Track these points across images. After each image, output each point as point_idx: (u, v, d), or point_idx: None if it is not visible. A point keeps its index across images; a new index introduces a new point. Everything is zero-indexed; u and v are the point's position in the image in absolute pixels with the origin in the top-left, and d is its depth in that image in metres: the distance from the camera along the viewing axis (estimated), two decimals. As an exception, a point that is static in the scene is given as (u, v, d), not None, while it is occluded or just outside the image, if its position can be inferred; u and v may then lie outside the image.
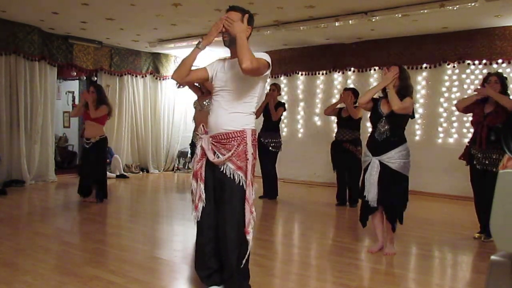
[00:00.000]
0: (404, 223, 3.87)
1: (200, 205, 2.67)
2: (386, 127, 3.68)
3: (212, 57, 12.28)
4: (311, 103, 8.57)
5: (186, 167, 10.03)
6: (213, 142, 2.64)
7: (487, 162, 4.15)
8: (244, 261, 2.63)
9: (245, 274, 2.70)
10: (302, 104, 8.71)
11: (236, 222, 2.58)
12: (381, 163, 3.67)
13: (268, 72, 2.65)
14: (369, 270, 3.49)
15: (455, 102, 7.01)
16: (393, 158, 3.65)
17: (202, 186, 2.68)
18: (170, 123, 10.02)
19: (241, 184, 2.58)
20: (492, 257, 1.87)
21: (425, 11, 5.61)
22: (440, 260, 3.80)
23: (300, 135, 8.75)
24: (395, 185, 3.68)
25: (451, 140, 7.14)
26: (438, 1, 5.43)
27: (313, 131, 8.55)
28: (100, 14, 6.47)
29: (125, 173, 8.91)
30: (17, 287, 2.89)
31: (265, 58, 2.59)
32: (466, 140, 6.83)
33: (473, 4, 5.29)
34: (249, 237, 2.59)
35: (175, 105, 10.02)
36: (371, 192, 3.71)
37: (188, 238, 4.41)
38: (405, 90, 3.73)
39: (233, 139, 2.58)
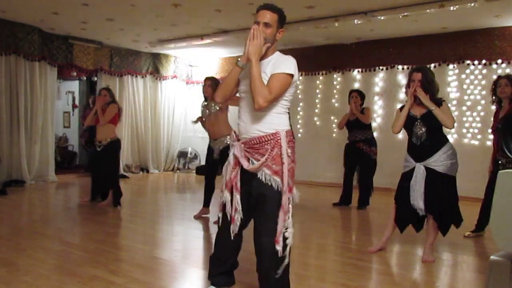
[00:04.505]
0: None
1: (238, 217, 2.51)
2: (423, 129, 3.54)
3: (211, 57, 12.07)
4: (311, 103, 8.57)
5: (186, 167, 10.04)
6: (246, 149, 2.47)
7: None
8: (282, 272, 2.44)
9: (285, 285, 2.54)
10: (302, 104, 8.71)
11: (273, 230, 2.42)
12: (427, 168, 3.50)
13: (295, 78, 2.42)
14: (369, 270, 3.49)
15: (454, 102, 7.07)
16: (439, 160, 3.49)
17: (238, 196, 2.50)
18: (170, 123, 10.03)
19: (278, 190, 2.40)
20: (492, 257, 1.88)
21: (425, 11, 5.61)
22: (440, 260, 3.80)
23: (300, 135, 8.74)
24: (445, 190, 3.51)
25: (450, 140, 7.11)
26: (438, 1, 5.44)
27: (313, 131, 8.54)
28: (100, 14, 6.47)
29: (125, 173, 8.90)
30: (17, 287, 2.89)
31: (287, 70, 2.36)
32: (466, 140, 6.88)
33: (473, 4, 5.29)
34: (279, 247, 2.40)
35: (175, 105, 10.04)
36: (419, 200, 3.52)
37: (188, 238, 4.42)
38: (431, 94, 3.56)
39: (266, 142, 2.41)
